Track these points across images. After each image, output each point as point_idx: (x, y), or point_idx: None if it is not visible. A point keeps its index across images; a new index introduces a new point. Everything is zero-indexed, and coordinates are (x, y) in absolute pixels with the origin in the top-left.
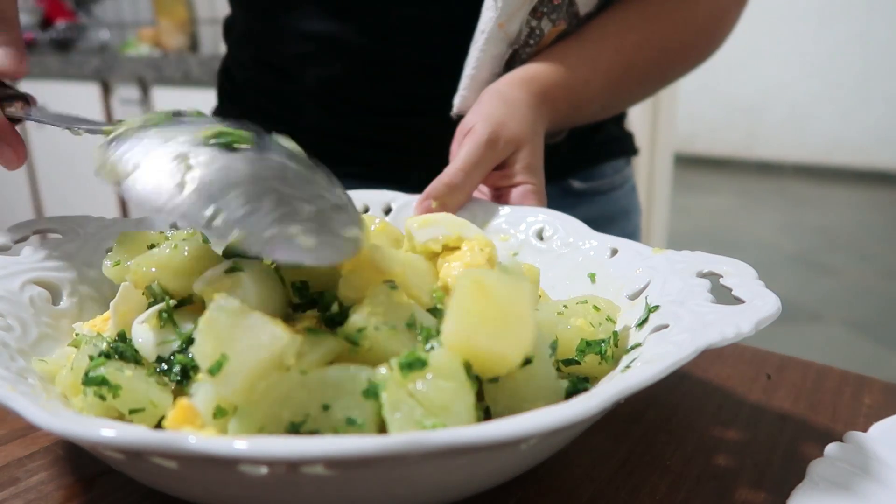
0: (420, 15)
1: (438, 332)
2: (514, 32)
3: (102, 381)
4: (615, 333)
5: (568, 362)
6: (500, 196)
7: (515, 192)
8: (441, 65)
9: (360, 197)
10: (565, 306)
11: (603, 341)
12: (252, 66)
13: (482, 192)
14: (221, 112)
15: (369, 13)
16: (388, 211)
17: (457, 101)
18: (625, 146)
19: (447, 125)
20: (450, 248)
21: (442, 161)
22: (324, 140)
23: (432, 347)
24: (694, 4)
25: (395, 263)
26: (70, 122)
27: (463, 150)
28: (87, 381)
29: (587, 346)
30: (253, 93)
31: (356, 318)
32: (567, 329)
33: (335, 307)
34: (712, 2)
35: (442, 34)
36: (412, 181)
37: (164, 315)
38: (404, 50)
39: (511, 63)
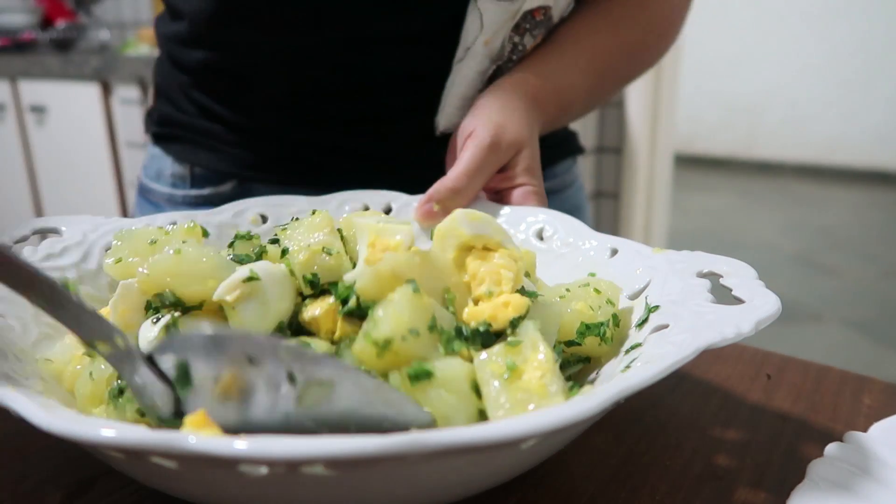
0: (396, 29)
1: (460, 334)
2: (496, 49)
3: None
4: (614, 316)
5: (570, 343)
6: (501, 198)
7: (516, 194)
8: (416, 76)
9: (360, 197)
10: (567, 289)
11: (602, 324)
12: (200, 71)
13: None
14: (160, 112)
15: (344, 28)
16: (388, 211)
17: (441, 120)
18: (572, 146)
19: (420, 135)
20: (487, 249)
21: (413, 171)
22: (288, 148)
23: (453, 350)
24: (651, 9)
25: (412, 266)
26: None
27: (466, 153)
28: (113, 393)
29: (587, 328)
30: (200, 96)
31: (384, 328)
32: (568, 313)
33: (353, 302)
34: (666, 6)
35: (419, 48)
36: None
37: (171, 328)
38: (378, 62)
39: (493, 78)
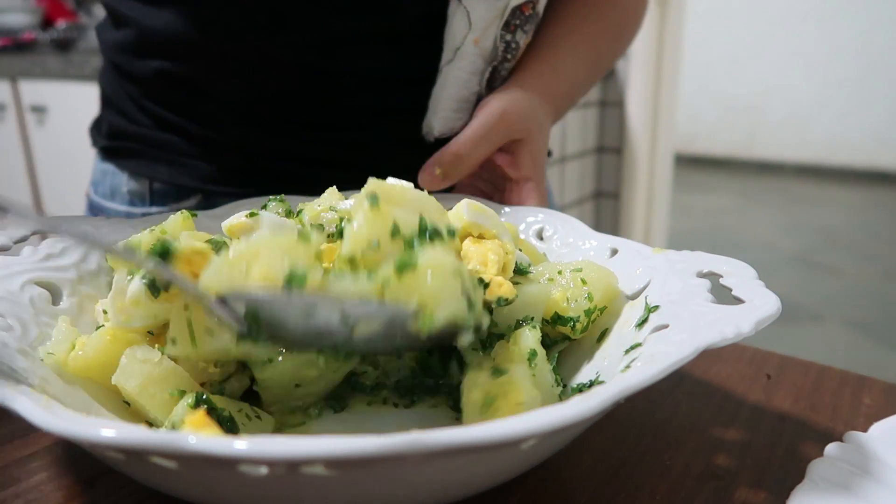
0: (365, 28)
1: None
2: (488, 48)
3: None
4: (587, 311)
5: (546, 322)
6: (503, 190)
7: (517, 189)
8: (389, 77)
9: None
10: (559, 272)
11: (571, 319)
12: (152, 80)
13: (483, 188)
14: (109, 124)
15: (307, 28)
16: None
17: (435, 124)
18: None
19: (395, 140)
20: (482, 237)
21: (386, 178)
22: (253, 159)
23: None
24: None
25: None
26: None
27: (474, 121)
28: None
29: (558, 318)
30: (154, 106)
31: (345, 247)
32: (549, 297)
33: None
34: None
35: (389, 49)
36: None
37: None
38: (348, 63)
39: (492, 81)
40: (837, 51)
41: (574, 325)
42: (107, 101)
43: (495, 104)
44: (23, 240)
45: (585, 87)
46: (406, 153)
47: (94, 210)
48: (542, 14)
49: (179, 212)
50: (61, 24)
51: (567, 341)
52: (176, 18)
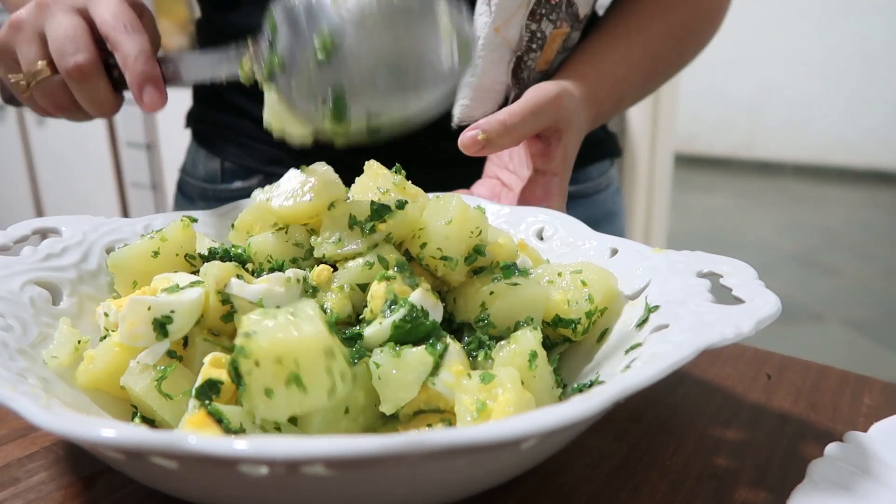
0: None
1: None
2: (514, 38)
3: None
4: (588, 313)
5: (546, 325)
6: (528, 184)
7: (543, 182)
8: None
9: None
10: (559, 274)
11: (573, 321)
12: None
13: (506, 179)
14: (197, 108)
15: None
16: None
17: (457, 111)
18: (610, 147)
19: (427, 127)
20: None
21: (423, 163)
22: (311, 144)
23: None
24: None
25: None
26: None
27: (527, 96)
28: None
29: (559, 320)
30: (230, 92)
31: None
32: (550, 299)
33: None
34: None
35: None
36: None
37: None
38: None
39: (517, 70)
40: (837, 51)
41: (575, 328)
42: (195, 88)
43: (550, 87)
44: (23, 240)
45: (639, 92)
46: (436, 140)
47: (181, 183)
48: (605, 13)
49: (180, 219)
50: None
51: (567, 343)
52: (249, 11)
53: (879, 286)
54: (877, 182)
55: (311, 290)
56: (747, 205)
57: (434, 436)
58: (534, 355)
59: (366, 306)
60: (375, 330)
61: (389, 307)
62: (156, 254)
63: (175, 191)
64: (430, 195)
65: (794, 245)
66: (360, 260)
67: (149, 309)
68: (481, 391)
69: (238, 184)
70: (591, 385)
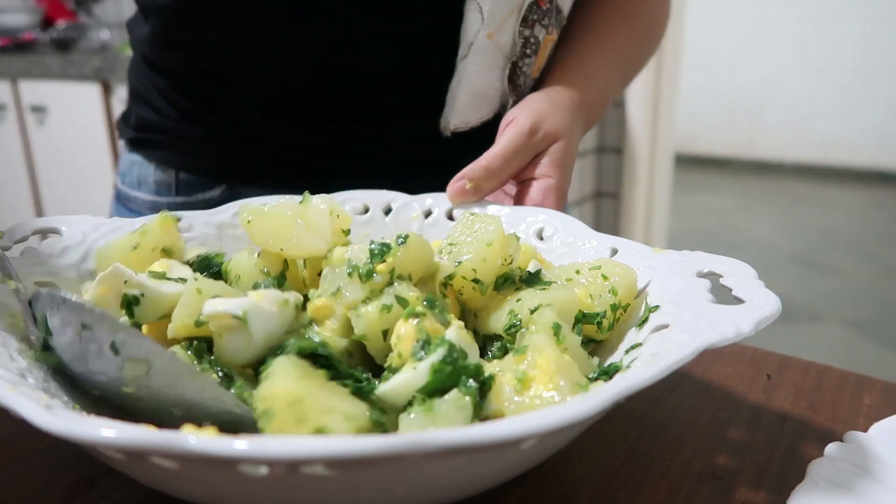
0: (385, 24)
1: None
2: (507, 44)
3: None
4: (613, 306)
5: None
6: (522, 189)
7: (536, 186)
8: (410, 75)
9: (360, 197)
10: (577, 271)
11: (598, 314)
12: (179, 73)
13: (508, 190)
14: (137, 117)
15: (328, 24)
16: (388, 211)
17: (451, 119)
18: None
19: (413, 134)
20: None
21: (410, 171)
22: (277, 151)
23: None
24: (651, 1)
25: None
26: None
27: (504, 136)
28: None
29: (584, 316)
30: (181, 99)
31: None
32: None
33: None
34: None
35: (410, 46)
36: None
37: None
38: (368, 59)
39: (514, 77)
40: (837, 51)
41: (600, 322)
42: (135, 93)
43: (523, 120)
44: (23, 240)
45: (617, 93)
46: (423, 147)
47: (122, 200)
48: (569, 23)
49: (159, 214)
50: (61, 24)
51: (591, 345)
52: (196, 9)
53: (879, 286)
54: (877, 182)
55: (308, 323)
56: (747, 205)
57: (434, 436)
58: (557, 327)
59: (389, 352)
60: (409, 376)
61: (422, 348)
62: (135, 247)
63: (113, 204)
64: (458, 211)
65: (794, 245)
66: (374, 304)
67: (125, 282)
68: (518, 363)
69: (197, 196)
70: (614, 371)
